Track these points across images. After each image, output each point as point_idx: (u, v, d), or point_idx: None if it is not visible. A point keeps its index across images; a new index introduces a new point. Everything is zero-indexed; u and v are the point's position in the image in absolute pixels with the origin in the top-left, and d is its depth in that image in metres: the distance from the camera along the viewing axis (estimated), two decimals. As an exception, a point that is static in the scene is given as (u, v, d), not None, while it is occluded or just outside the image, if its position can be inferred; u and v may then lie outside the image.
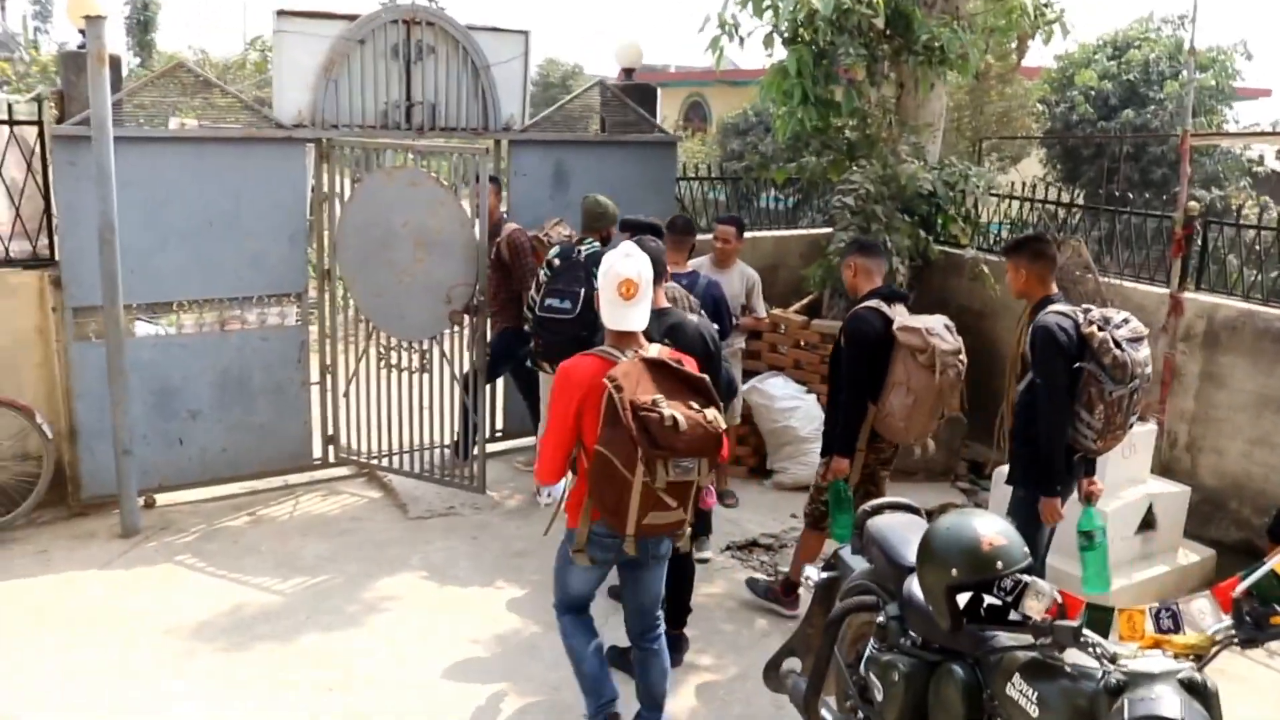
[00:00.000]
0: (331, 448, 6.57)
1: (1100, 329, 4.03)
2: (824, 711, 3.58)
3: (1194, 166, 14.75)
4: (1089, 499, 4.44)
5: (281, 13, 5.85)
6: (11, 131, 5.55)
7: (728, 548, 5.86)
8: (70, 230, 5.49)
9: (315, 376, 6.48)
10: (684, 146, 18.33)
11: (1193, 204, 6.16)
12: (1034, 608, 2.62)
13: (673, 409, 3.28)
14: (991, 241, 7.79)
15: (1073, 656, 2.62)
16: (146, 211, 5.65)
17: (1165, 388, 6.07)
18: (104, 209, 5.26)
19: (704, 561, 5.64)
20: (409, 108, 6.31)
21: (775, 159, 7.59)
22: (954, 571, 2.70)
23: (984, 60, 9.69)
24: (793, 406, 6.66)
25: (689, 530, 3.66)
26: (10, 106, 6.08)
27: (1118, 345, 3.99)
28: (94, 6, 5.15)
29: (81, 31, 5.18)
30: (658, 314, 4.27)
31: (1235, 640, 2.59)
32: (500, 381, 6.87)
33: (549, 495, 3.76)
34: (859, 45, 6.68)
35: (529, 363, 5.91)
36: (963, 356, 4.59)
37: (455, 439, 6.54)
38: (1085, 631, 2.58)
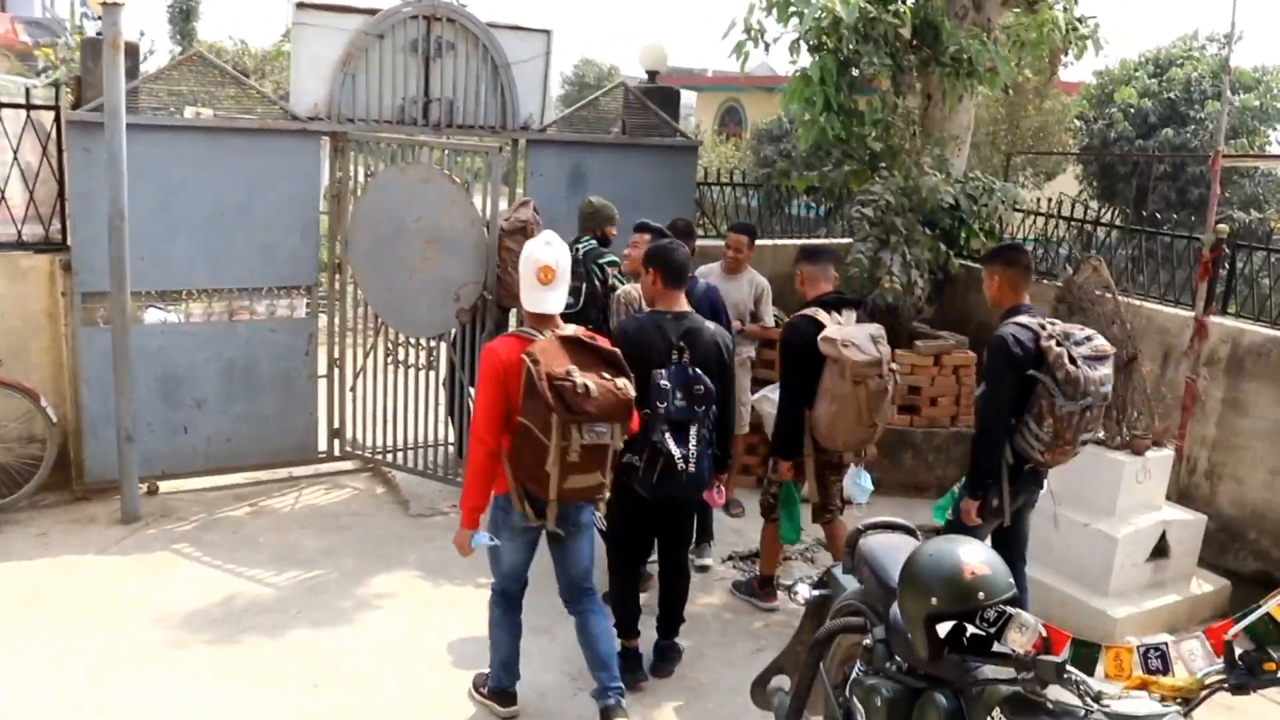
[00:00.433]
0: (337, 441, 6.55)
1: (1059, 344, 4.11)
2: (807, 732, 3.50)
3: (1233, 188, 14.52)
4: None
5: (301, 5, 5.84)
6: (28, 116, 5.58)
7: (730, 558, 5.78)
8: (82, 216, 5.51)
9: (323, 370, 6.46)
10: (718, 152, 18.30)
11: (1221, 226, 6.00)
12: (1017, 641, 2.52)
13: (585, 378, 3.56)
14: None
15: (1056, 693, 2.52)
16: (159, 199, 5.66)
17: (1186, 413, 5.92)
18: (115, 195, 5.27)
19: (704, 569, 5.57)
20: (426, 104, 6.28)
21: (798, 167, 7.48)
22: (934, 600, 2.60)
23: (1020, 74, 9.55)
24: (802, 417, 6.54)
25: (608, 495, 3.85)
26: (28, 91, 6.11)
27: (1073, 361, 4.07)
28: (113, -7, 5.16)
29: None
30: (675, 316, 4.27)
31: (1226, 685, 2.48)
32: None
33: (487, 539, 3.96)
34: (884, 54, 6.58)
35: None
36: (892, 368, 4.67)
37: (460, 437, 6.50)
38: (1069, 668, 2.47)
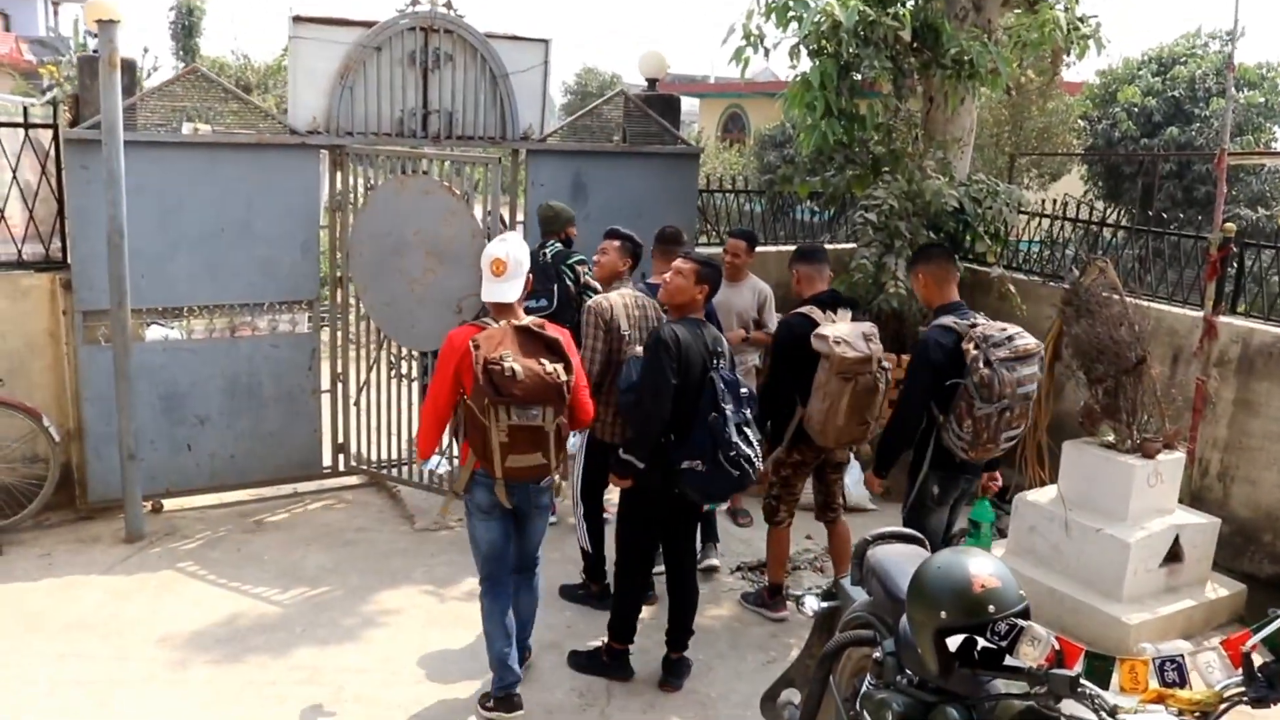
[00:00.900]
0: (341, 456, 6.51)
1: (977, 347, 4.16)
2: (817, 747, 3.44)
3: (1240, 186, 14.43)
4: (984, 491, 4.80)
5: (298, 19, 5.82)
6: (26, 134, 5.56)
7: (738, 568, 5.73)
8: (82, 234, 5.49)
9: (326, 384, 6.43)
10: (721, 158, 18.26)
11: (1229, 224, 5.93)
12: (1029, 654, 2.47)
13: (516, 362, 3.79)
14: (1021, 260, 7.59)
15: (1070, 708, 2.46)
16: (158, 216, 5.64)
17: (1196, 414, 5.84)
18: (113, 213, 5.25)
19: (712, 570, 5.52)
20: (425, 115, 6.25)
21: (800, 172, 7.42)
22: (943, 614, 2.54)
23: (1022, 75, 9.50)
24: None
25: (557, 479, 4.08)
26: (26, 110, 6.10)
27: (988, 364, 4.12)
28: (110, 11, 5.15)
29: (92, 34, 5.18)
30: (702, 324, 4.40)
31: (1245, 699, 2.42)
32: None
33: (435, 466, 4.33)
34: (884, 58, 6.53)
35: None
36: (885, 365, 4.72)
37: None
38: (1083, 682, 2.42)
